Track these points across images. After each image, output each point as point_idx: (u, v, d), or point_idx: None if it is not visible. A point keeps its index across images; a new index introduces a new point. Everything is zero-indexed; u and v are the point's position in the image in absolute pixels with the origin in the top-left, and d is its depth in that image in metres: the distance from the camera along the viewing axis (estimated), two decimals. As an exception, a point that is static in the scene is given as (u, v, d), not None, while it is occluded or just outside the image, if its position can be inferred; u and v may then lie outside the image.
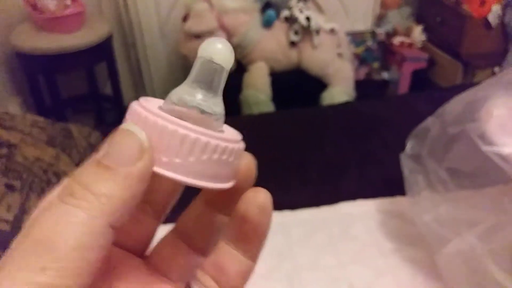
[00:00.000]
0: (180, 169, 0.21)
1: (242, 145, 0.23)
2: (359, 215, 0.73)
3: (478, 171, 0.55)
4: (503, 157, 0.50)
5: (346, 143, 0.92)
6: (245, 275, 0.24)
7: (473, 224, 0.55)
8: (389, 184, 0.76)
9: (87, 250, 0.17)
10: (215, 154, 0.21)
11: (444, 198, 0.59)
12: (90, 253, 0.17)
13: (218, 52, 0.22)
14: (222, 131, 0.23)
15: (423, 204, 0.61)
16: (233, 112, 1.37)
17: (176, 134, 0.20)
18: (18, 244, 0.17)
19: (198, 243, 0.25)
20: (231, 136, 0.22)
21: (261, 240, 0.24)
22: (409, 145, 0.67)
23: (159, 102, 0.24)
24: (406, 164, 0.65)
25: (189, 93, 0.22)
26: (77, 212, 0.17)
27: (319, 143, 0.92)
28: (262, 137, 0.91)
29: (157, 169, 0.20)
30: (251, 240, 0.23)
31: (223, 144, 0.21)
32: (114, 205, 0.18)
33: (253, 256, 0.24)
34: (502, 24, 1.52)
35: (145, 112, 0.20)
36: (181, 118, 0.21)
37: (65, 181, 0.19)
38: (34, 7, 1.35)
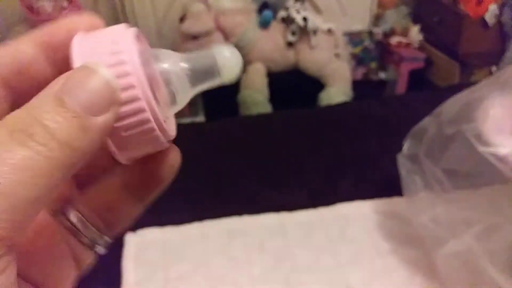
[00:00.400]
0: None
1: (167, 145, 0.21)
2: (357, 216, 0.73)
3: (475, 172, 0.55)
4: (499, 158, 0.50)
5: (343, 144, 0.92)
6: (134, 217, 0.24)
7: (470, 224, 0.55)
8: (386, 184, 0.76)
9: (39, 205, 0.16)
10: (146, 134, 0.19)
11: (441, 198, 0.59)
12: (40, 208, 0.16)
13: (226, 59, 0.21)
14: (166, 118, 0.21)
15: (420, 205, 0.61)
16: (231, 113, 1.37)
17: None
18: None
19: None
20: (169, 130, 0.21)
21: (159, 191, 0.24)
22: (406, 146, 0.67)
23: (145, 43, 0.22)
24: (403, 164, 0.65)
25: (174, 62, 0.21)
26: (38, 160, 0.15)
27: (317, 143, 0.92)
28: (259, 138, 0.91)
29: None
30: (151, 191, 0.23)
31: (156, 130, 0.19)
32: (75, 159, 0.16)
33: (146, 203, 0.24)
34: (499, 24, 1.52)
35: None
36: (150, 78, 0.19)
37: (16, 112, 0.16)
38: (31, 9, 1.35)
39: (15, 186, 0.15)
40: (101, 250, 0.24)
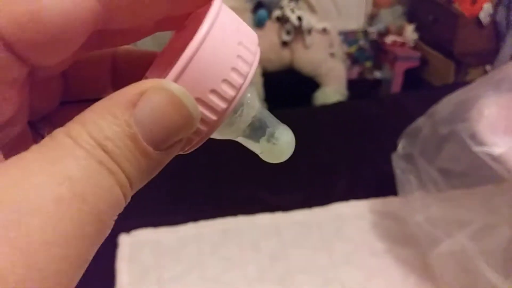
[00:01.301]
0: None
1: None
2: (352, 216, 0.73)
3: (469, 171, 0.55)
4: (494, 157, 0.50)
5: (338, 143, 0.92)
6: None
7: (465, 224, 0.55)
8: (381, 184, 0.76)
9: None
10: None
11: (435, 198, 0.59)
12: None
13: (284, 143, 0.20)
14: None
15: (414, 204, 0.61)
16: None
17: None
18: None
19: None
20: None
21: None
22: (401, 145, 0.67)
23: None
24: (398, 164, 0.65)
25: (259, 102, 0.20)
26: (114, 188, 0.14)
27: (312, 143, 0.92)
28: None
29: None
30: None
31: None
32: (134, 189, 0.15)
33: None
34: (494, 23, 1.52)
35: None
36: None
37: (81, 137, 0.14)
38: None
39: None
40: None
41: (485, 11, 1.48)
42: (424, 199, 0.60)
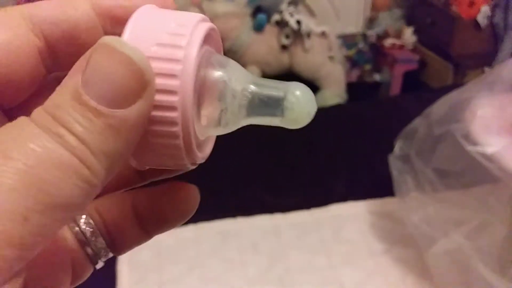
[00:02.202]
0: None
1: (191, 167, 0.18)
2: (350, 217, 0.74)
3: (465, 171, 0.56)
4: (487, 157, 0.50)
5: (337, 146, 0.92)
6: (138, 244, 0.21)
7: (461, 223, 0.56)
8: (379, 185, 0.77)
9: (72, 211, 0.13)
10: (169, 147, 0.16)
11: (432, 198, 0.60)
12: (66, 218, 0.13)
13: (296, 100, 0.18)
14: (202, 136, 0.18)
15: (411, 205, 0.62)
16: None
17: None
18: None
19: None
20: (199, 153, 0.18)
21: (168, 230, 0.21)
22: (398, 146, 0.68)
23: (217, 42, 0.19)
24: (395, 165, 0.66)
25: (238, 79, 0.18)
26: (78, 165, 0.13)
27: (311, 146, 0.92)
28: (254, 140, 0.92)
29: None
30: (159, 228, 0.21)
31: (183, 149, 0.16)
32: (112, 166, 0.14)
33: (151, 236, 0.21)
34: (492, 25, 1.53)
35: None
36: (202, 83, 0.17)
37: (38, 112, 0.13)
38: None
39: (53, 181, 0.12)
40: (100, 265, 0.21)
41: (483, 14, 1.48)
42: (420, 199, 0.61)
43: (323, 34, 1.46)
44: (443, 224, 0.58)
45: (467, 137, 0.52)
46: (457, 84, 1.52)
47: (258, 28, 1.44)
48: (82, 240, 0.20)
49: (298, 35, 1.43)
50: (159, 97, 0.15)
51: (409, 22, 1.73)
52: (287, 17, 1.43)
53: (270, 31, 1.45)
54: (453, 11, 1.52)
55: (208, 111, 0.17)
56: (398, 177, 0.65)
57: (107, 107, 0.13)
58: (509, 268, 0.51)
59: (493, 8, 1.47)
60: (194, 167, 0.18)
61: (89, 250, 0.20)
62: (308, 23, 1.44)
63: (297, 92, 0.18)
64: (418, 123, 0.65)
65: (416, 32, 1.69)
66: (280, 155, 0.91)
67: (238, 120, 0.18)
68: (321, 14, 1.66)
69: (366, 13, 1.74)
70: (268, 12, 1.48)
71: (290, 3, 1.48)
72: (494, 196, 0.53)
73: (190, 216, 0.21)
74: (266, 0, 1.49)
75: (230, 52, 1.45)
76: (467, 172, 0.55)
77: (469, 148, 0.52)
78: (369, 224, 0.72)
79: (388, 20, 1.73)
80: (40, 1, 0.17)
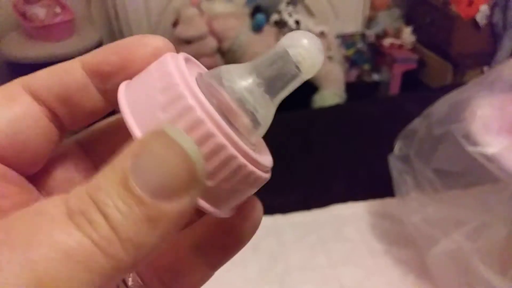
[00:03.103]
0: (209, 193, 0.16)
1: (268, 176, 0.17)
2: (350, 217, 0.74)
3: (465, 171, 0.56)
4: (487, 157, 0.50)
5: (337, 146, 0.92)
6: (201, 284, 0.20)
7: (461, 223, 0.56)
8: (379, 185, 0.77)
9: None
10: (238, 176, 0.16)
11: (432, 198, 0.60)
12: None
13: (303, 51, 0.17)
14: (253, 146, 0.17)
15: (411, 205, 0.62)
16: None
17: (216, 145, 0.15)
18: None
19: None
20: (264, 160, 0.17)
21: (234, 254, 0.20)
22: (398, 146, 0.68)
23: (198, 66, 0.18)
24: (395, 165, 0.66)
25: (241, 76, 0.17)
26: (95, 253, 0.12)
27: (310, 145, 0.92)
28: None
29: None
30: (225, 254, 0.20)
31: (251, 168, 0.16)
32: (141, 257, 0.13)
33: (217, 268, 0.20)
34: (491, 24, 1.53)
35: (181, 84, 0.15)
36: (219, 107, 0.16)
37: (78, 189, 0.13)
38: (24, 15, 1.35)
39: (60, 277, 0.12)
40: None
41: (482, 13, 1.49)
42: (420, 200, 0.61)
43: (322, 34, 1.46)
44: (443, 224, 0.58)
45: (467, 137, 0.52)
46: (456, 83, 1.53)
47: (257, 28, 1.44)
48: None
49: (297, 35, 1.43)
50: (205, 148, 0.15)
51: (408, 22, 1.73)
52: (285, 17, 1.43)
53: (269, 31, 1.45)
54: (452, 10, 1.52)
55: (242, 123, 0.17)
56: (398, 177, 0.65)
57: (151, 198, 0.13)
58: (509, 269, 0.51)
59: (492, 7, 1.47)
60: (269, 174, 0.18)
61: None
62: (307, 23, 1.44)
63: (297, 42, 0.17)
64: (418, 123, 0.65)
65: (415, 31, 1.69)
66: (280, 155, 0.90)
67: (270, 108, 0.18)
68: (320, 14, 1.67)
69: (365, 12, 1.74)
70: (267, 12, 1.48)
71: (288, 3, 1.48)
72: (495, 196, 0.53)
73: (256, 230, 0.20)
74: (264, 0, 1.49)
75: (229, 52, 1.45)
76: (467, 172, 0.55)
77: (469, 148, 0.52)
78: (369, 225, 0.72)
79: (387, 19, 1.73)
80: (37, 71, 0.18)
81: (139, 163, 0.13)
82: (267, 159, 0.18)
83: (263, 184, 0.17)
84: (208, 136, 0.15)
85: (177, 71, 0.16)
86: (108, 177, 0.13)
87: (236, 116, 0.16)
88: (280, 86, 0.18)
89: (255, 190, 0.17)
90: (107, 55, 0.17)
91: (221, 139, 0.15)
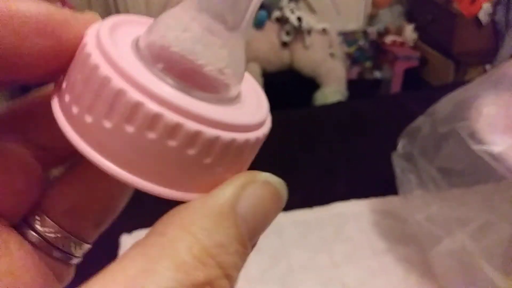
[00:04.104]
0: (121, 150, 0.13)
1: (256, 134, 0.15)
2: (352, 215, 0.73)
3: (469, 170, 0.55)
4: (493, 156, 0.50)
5: (338, 143, 0.92)
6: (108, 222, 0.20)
7: (465, 222, 0.55)
8: (381, 183, 0.76)
9: None
10: (192, 147, 0.13)
11: (435, 197, 0.59)
12: None
13: None
14: (228, 102, 0.15)
15: (415, 203, 0.61)
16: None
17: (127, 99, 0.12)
18: None
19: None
20: (243, 115, 0.14)
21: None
22: (401, 144, 0.67)
23: (145, 23, 0.16)
24: (398, 163, 0.65)
25: (178, 22, 0.14)
26: None
27: (312, 143, 0.92)
28: (254, 139, 0.91)
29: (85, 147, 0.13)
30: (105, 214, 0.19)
31: (210, 133, 0.13)
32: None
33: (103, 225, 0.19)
34: (493, 22, 1.52)
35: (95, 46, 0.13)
36: (155, 60, 0.14)
37: (198, 252, 0.13)
38: (24, 11, 1.34)
39: None
40: (78, 260, 0.19)
41: (484, 11, 1.48)
42: (424, 198, 0.60)
43: (323, 31, 1.46)
44: (447, 223, 0.57)
45: (473, 135, 0.52)
46: (458, 81, 1.52)
47: (259, 24, 1.44)
48: (44, 246, 0.18)
49: (298, 32, 1.42)
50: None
51: (409, 19, 1.73)
52: (287, 13, 1.42)
53: (271, 27, 1.45)
54: (454, 8, 1.52)
55: (196, 79, 0.14)
56: (401, 176, 0.64)
57: (250, 242, 0.14)
58: (514, 268, 0.51)
59: (495, 5, 1.47)
60: (252, 134, 0.15)
61: (56, 254, 0.18)
62: (309, 20, 1.44)
63: None
64: (421, 121, 0.64)
65: (417, 29, 1.69)
66: (281, 152, 0.90)
67: (234, 42, 0.15)
68: (322, 11, 1.66)
69: (367, 10, 1.74)
70: (269, 9, 1.48)
71: (290, 0, 1.48)
72: (499, 195, 0.53)
73: None
74: (266, -3, 1.49)
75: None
76: (472, 170, 0.55)
77: (475, 146, 0.51)
78: (371, 223, 0.71)
79: (389, 17, 1.72)
80: None
81: (245, 212, 0.13)
82: (245, 115, 0.15)
83: (252, 146, 0.15)
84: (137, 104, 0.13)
85: (97, 48, 0.13)
86: (228, 234, 0.13)
87: (181, 73, 0.14)
88: (241, 8, 0.14)
89: (236, 158, 0.14)
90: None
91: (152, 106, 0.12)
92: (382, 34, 1.71)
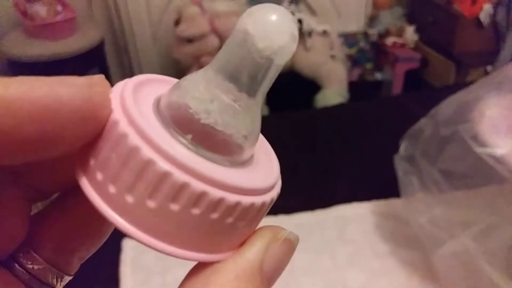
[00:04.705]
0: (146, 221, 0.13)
1: (271, 195, 0.16)
2: (354, 218, 0.73)
3: (472, 172, 0.55)
4: (496, 158, 0.50)
5: (340, 145, 0.92)
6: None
7: (468, 225, 0.55)
8: (383, 186, 0.76)
9: None
10: (216, 212, 0.14)
11: (438, 199, 0.59)
12: None
13: (269, 32, 0.14)
14: (245, 163, 0.16)
15: (417, 206, 0.61)
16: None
17: (152, 168, 0.13)
18: None
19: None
20: (259, 179, 0.15)
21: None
22: (403, 147, 0.67)
23: (164, 87, 0.16)
24: (400, 165, 0.65)
25: (205, 92, 0.14)
26: None
27: (313, 145, 0.92)
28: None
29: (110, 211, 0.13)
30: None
31: (232, 199, 0.14)
32: None
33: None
34: (494, 23, 1.52)
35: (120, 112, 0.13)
36: (184, 130, 0.14)
37: None
38: (25, 14, 1.34)
39: None
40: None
41: (485, 12, 1.48)
42: (426, 200, 0.60)
43: (324, 33, 1.46)
44: (450, 225, 0.57)
45: (475, 138, 0.52)
46: (459, 82, 1.52)
47: (259, 26, 1.44)
48: (26, 280, 0.17)
49: (299, 34, 1.42)
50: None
51: (410, 21, 1.73)
52: (288, 15, 1.42)
53: (271, 29, 1.45)
54: (455, 9, 1.52)
55: (213, 144, 0.15)
56: (404, 178, 0.64)
57: None
58: (517, 271, 0.50)
59: (496, 6, 1.47)
60: (266, 197, 0.16)
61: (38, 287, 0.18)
62: (310, 22, 1.44)
63: (271, 19, 0.14)
64: (423, 123, 0.64)
65: (417, 30, 1.69)
66: (283, 155, 0.90)
67: (250, 111, 0.15)
68: (322, 12, 1.66)
69: (368, 11, 1.74)
70: (269, 11, 1.48)
71: (291, 2, 1.48)
72: (502, 197, 0.53)
73: None
74: (267, -1, 1.48)
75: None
76: (475, 173, 0.55)
77: (478, 149, 0.51)
78: (374, 225, 0.71)
79: (390, 18, 1.72)
80: None
81: (270, 275, 0.16)
82: (266, 174, 0.16)
83: (264, 209, 0.16)
84: (165, 175, 0.13)
85: (130, 126, 0.13)
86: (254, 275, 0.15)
87: (208, 140, 0.14)
88: (258, 81, 0.15)
89: (252, 222, 0.16)
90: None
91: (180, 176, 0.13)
92: (383, 35, 1.71)
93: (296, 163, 0.87)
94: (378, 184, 0.79)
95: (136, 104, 0.14)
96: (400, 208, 0.70)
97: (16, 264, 0.17)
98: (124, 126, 0.13)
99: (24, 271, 0.17)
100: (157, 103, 0.15)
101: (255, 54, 0.14)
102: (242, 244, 0.16)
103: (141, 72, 1.53)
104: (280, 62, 0.15)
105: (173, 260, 0.62)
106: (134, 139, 0.13)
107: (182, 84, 0.15)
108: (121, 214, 0.14)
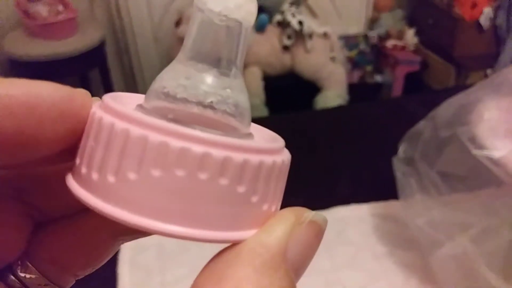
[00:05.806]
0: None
1: (281, 157, 0.15)
2: (353, 220, 0.73)
3: (470, 175, 0.55)
4: (494, 161, 0.50)
5: (339, 147, 0.92)
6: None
7: (466, 227, 0.55)
8: (382, 187, 0.76)
9: None
10: (224, 176, 0.13)
11: (436, 201, 0.59)
12: None
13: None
14: (245, 135, 0.16)
15: (416, 208, 0.61)
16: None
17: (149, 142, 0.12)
18: None
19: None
20: (262, 143, 0.15)
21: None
22: (402, 149, 0.67)
23: (139, 98, 0.16)
24: (399, 167, 0.65)
25: (183, 76, 0.14)
26: None
27: (313, 147, 0.92)
28: (255, 142, 0.91)
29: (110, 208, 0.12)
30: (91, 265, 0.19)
31: (238, 157, 0.13)
32: None
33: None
34: (494, 26, 1.52)
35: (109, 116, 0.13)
36: (165, 112, 0.14)
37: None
38: (26, 13, 1.35)
39: None
40: None
41: (485, 15, 1.48)
42: (425, 203, 0.60)
43: (325, 35, 1.46)
44: (448, 227, 0.57)
45: (474, 140, 0.52)
46: (459, 85, 1.52)
47: (260, 28, 1.44)
48: None
49: (300, 36, 1.43)
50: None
51: (411, 23, 1.73)
52: (289, 17, 1.42)
53: (272, 31, 1.45)
54: (455, 12, 1.52)
55: (208, 120, 0.15)
56: (402, 180, 0.64)
57: (296, 280, 0.14)
58: (515, 273, 0.51)
59: (496, 9, 1.47)
60: (275, 156, 0.15)
61: None
62: (310, 24, 1.44)
63: None
64: (422, 125, 0.64)
65: (418, 33, 1.69)
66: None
67: (235, 80, 0.15)
68: (323, 14, 1.66)
69: (368, 14, 1.74)
70: (270, 12, 1.48)
71: (292, 4, 1.48)
72: (500, 200, 0.53)
73: None
74: (267, 0, 1.49)
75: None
76: (473, 175, 0.55)
77: (476, 151, 0.51)
78: (372, 227, 0.71)
79: (390, 21, 1.73)
80: None
81: (296, 265, 0.14)
82: (267, 139, 0.16)
83: (282, 171, 0.15)
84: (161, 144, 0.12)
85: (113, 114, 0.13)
86: (281, 286, 0.13)
87: (200, 118, 0.14)
88: (232, 52, 0.15)
89: (274, 183, 0.14)
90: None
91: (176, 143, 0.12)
92: (383, 38, 1.72)
93: (296, 165, 0.87)
94: (377, 185, 0.79)
95: (117, 104, 0.14)
96: (399, 210, 0.70)
97: (9, 273, 0.17)
98: (101, 113, 0.13)
99: (17, 281, 0.17)
100: (139, 106, 0.15)
101: (215, 19, 0.14)
102: (261, 226, 0.14)
103: (141, 72, 1.54)
104: (241, 20, 0.15)
105: (171, 260, 0.63)
106: (111, 118, 0.13)
107: (157, 77, 0.15)
108: (107, 199, 0.13)
